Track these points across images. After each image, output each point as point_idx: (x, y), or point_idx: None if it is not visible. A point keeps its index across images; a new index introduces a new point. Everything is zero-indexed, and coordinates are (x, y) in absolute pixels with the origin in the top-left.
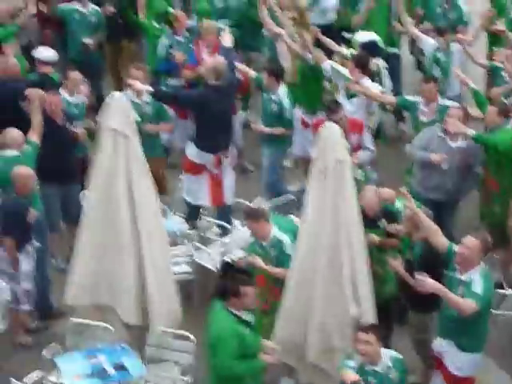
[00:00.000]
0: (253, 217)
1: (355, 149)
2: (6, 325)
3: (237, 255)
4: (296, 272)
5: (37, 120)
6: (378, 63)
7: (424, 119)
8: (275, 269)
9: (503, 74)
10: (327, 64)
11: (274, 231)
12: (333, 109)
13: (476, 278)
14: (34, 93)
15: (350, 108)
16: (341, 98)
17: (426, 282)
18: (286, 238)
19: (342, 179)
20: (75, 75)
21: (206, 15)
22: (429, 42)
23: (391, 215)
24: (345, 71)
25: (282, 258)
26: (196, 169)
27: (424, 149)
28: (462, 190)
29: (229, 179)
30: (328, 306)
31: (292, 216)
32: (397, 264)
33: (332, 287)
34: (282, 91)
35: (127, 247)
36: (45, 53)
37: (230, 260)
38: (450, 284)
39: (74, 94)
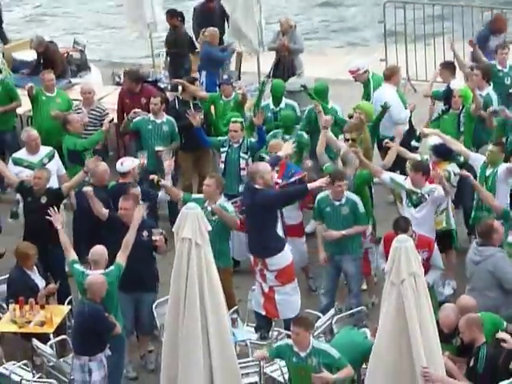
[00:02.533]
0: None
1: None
2: None
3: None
4: None
5: (128, 240)
6: (448, 169)
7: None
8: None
9: None
10: (386, 176)
11: (313, 342)
12: (402, 227)
13: None
14: (137, 213)
15: (417, 216)
16: (405, 207)
17: None
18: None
19: (417, 292)
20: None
21: (290, 123)
22: (478, 158)
23: None
24: (404, 181)
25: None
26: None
27: None
28: None
29: (283, 296)
30: None
31: (366, 329)
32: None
33: None
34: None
35: (198, 356)
36: (121, 166)
37: None
38: None
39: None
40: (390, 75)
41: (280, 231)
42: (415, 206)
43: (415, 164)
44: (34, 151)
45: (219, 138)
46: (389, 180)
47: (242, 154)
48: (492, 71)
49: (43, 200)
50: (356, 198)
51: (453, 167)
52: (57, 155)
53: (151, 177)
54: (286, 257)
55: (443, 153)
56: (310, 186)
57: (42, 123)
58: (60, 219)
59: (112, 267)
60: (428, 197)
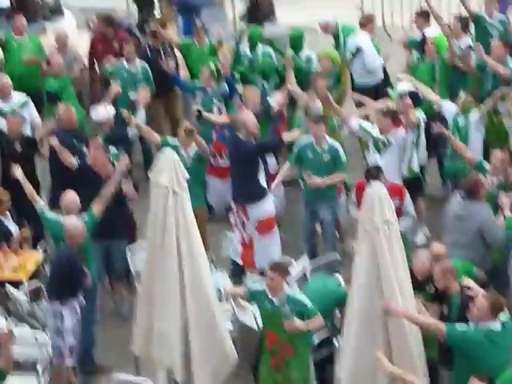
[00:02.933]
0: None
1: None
2: (46, 381)
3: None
4: (350, 337)
5: (107, 191)
6: (418, 115)
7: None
8: (306, 323)
9: None
10: (355, 122)
11: (288, 290)
12: (374, 175)
13: None
14: (123, 162)
15: (382, 161)
16: (371, 153)
17: None
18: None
19: (390, 239)
20: None
21: (269, 70)
22: (450, 108)
23: None
24: (372, 129)
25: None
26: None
27: None
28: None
29: (261, 247)
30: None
31: (338, 275)
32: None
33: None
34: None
35: (174, 304)
36: (97, 114)
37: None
38: None
39: None
40: (366, 23)
41: (263, 181)
42: (380, 152)
43: (384, 110)
44: (6, 98)
45: (195, 82)
46: (357, 127)
47: (214, 101)
48: (478, 21)
49: (18, 148)
50: (338, 145)
51: (420, 113)
52: (31, 103)
53: (124, 115)
54: (267, 207)
55: (412, 99)
56: (284, 138)
57: (15, 69)
58: (19, 170)
59: (85, 215)
60: (393, 142)
